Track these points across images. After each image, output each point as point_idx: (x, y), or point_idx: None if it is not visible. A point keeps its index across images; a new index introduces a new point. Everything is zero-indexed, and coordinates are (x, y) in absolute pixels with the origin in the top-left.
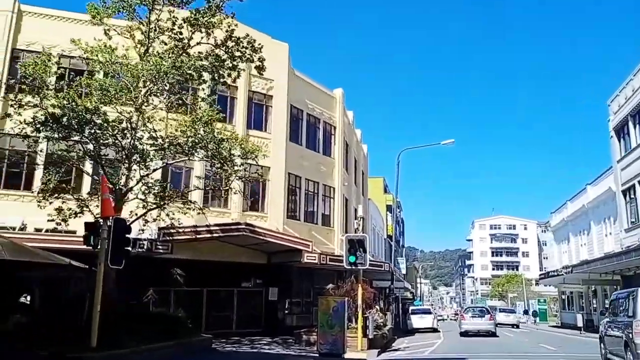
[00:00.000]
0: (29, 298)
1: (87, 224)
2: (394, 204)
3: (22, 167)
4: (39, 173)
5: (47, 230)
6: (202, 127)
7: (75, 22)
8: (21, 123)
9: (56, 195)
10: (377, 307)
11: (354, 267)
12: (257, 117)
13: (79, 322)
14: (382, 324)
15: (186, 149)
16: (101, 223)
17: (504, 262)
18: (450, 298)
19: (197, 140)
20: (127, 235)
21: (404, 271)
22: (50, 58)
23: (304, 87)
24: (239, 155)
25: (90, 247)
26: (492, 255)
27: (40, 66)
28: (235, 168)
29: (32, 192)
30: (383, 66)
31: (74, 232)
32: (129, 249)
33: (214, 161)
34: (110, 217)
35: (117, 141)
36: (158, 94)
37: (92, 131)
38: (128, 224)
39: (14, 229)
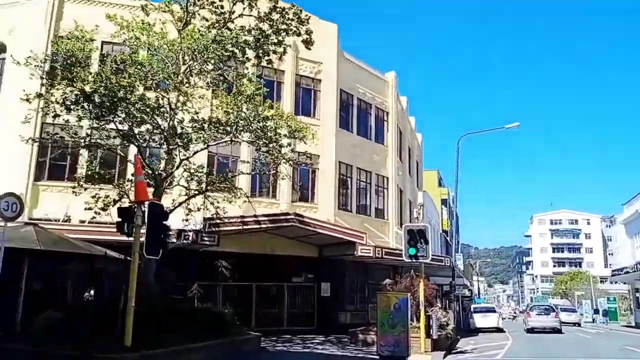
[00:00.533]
0: (67, 292)
1: (120, 210)
2: (449, 198)
3: (66, 157)
4: (82, 164)
5: (90, 222)
6: (244, 103)
7: (117, 6)
8: (52, 103)
9: (91, 182)
10: (437, 304)
11: (414, 261)
12: (305, 102)
13: (115, 317)
14: (445, 323)
15: (228, 127)
16: (136, 209)
17: (566, 259)
18: (507, 296)
19: (239, 119)
20: (165, 222)
21: (461, 267)
22: (84, 34)
23: (354, 71)
24: (285, 135)
25: (125, 236)
26: (553, 252)
27: (72, 41)
28: (283, 150)
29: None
30: (434, 51)
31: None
32: (168, 238)
33: (259, 143)
34: (146, 202)
35: (154, 121)
36: (198, 72)
37: (127, 110)
38: (168, 211)
39: (57, 221)
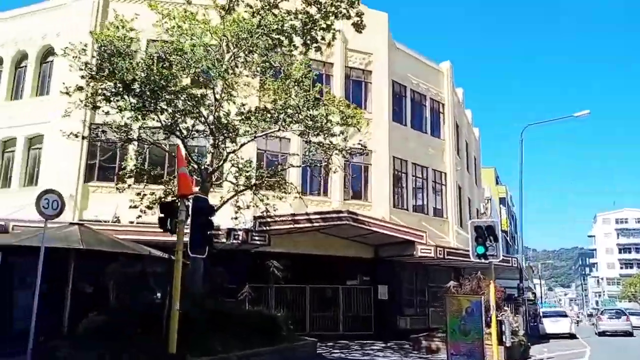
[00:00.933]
0: (112, 293)
1: (162, 205)
2: (507, 197)
3: (115, 158)
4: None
5: (139, 223)
6: (293, 87)
7: (164, 3)
8: (92, 95)
9: (138, 180)
10: (506, 309)
11: (482, 260)
12: (356, 95)
13: (160, 321)
14: (517, 329)
15: (276, 115)
16: (179, 203)
17: (634, 260)
18: (569, 300)
19: (288, 106)
20: (211, 218)
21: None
22: (124, 24)
23: (407, 61)
24: (337, 123)
25: (168, 233)
26: (620, 253)
27: (113, 31)
28: (334, 141)
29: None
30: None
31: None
32: (217, 237)
33: (309, 132)
34: (190, 197)
35: (198, 113)
36: (243, 59)
37: (168, 100)
38: (215, 208)
39: (107, 222)
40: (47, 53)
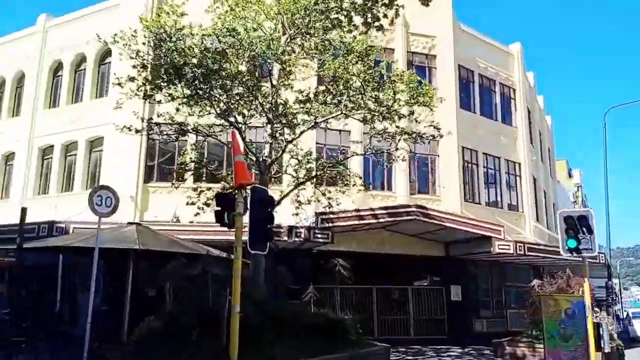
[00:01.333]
0: (170, 294)
1: (218, 196)
2: (581, 191)
3: (174, 157)
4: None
5: (199, 222)
6: (355, 63)
7: None
8: (143, 84)
9: (194, 175)
10: (599, 310)
11: (574, 256)
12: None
13: (221, 324)
14: (612, 333)
15: (338, 95)
16: (236, 195)
17: None
18: None
19: (350, 87)
20: (271, 210)
21: None
22: (175, 9)
23: (473, 43)
24: (406, 102)
25: (226, 227)
26: None
27: (164, 16)
28: (402, 124)
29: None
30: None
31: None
32: (278, 235)
33: (374, 115)
34: (247, 187)
35: (254, 97)
36: (300, 42)
37: (222, 84)
38: (275, 202)
39: (167, 222)
40: (105, 54)
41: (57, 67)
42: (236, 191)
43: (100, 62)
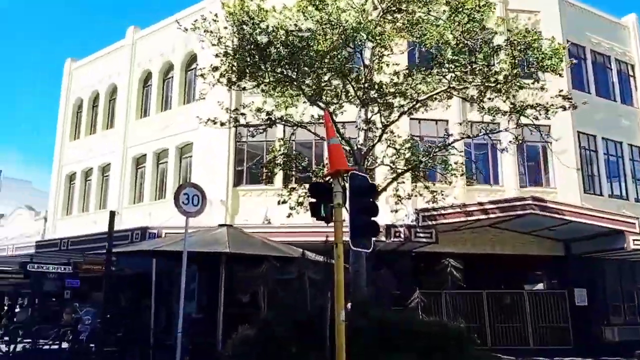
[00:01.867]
0: (264, 300)
1: (312, 186)
2: None
3: (263, 159)
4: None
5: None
6: (466, 20)
7: None
8: (227, 72)
9: (281, 167)
10: None
11: None
12: (521, 60)
13: (322, 333)
14: None
15: (446, 62)
16: (333, 184)
17: None
18: None
19: (458, 52)
20: (374, 200)
21: None
22: None
23: (581, 17)
24: (532, 67)
25: (323, 222)
26: None
27: (247, 0)
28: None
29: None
30: None
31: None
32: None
33: (488, 87)
34: (345, 174)
35: (343, 77)
36: (392, 15)
37: (310, 63)
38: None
39: (258, 225)
40: (191, 60)
41: (147, 77)
42: (332, 180)
43: (187, 68)
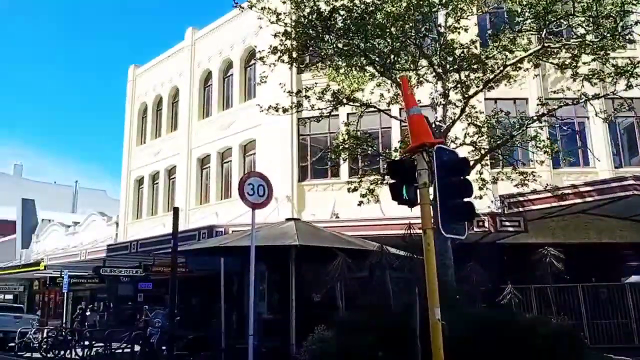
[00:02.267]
0: (338, 301)
1: (390, 164)
2: None
3: (325, 155)
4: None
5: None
6: None
7: None
8: (288, 50)
9: (349, 151)
10: None
11: None
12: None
13: (412, 338)
14: None
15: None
16: (416, 160)
17: None
18: None
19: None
20: (466, 177)
21: None
22: None
23: None
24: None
25: (407, 205)
26: None
27: None
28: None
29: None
30: None
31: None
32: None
33: (588, 45)
34: (430, 148)
35: (417, 46)
36: None
37: (378, 33)
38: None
39: (326, 220)
40: (250, 56)
41: (207, 77)
42: (414, 156)
43: (246, 64)
